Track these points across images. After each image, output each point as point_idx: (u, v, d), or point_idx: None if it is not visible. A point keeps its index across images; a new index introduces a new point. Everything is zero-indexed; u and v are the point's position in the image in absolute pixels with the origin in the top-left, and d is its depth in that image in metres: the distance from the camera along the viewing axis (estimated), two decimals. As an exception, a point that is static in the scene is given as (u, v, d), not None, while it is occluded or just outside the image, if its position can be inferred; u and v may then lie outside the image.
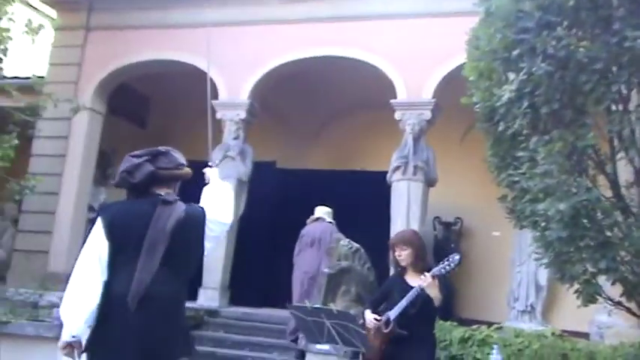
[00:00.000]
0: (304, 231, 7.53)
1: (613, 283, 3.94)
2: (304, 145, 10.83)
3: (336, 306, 4.55)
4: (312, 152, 10.69)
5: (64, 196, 9.05)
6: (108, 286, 3.00)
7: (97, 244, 3.08)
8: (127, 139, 11.01)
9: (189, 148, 11.46)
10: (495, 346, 4.71)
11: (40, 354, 6.24)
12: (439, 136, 8.42)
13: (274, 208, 9.60)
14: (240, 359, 6.78)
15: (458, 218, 9.70)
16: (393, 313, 4.17)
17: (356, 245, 6.18)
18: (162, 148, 3.37)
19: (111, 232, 3.09)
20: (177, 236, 3.09)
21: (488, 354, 4.87)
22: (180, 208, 3.19)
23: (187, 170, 3.39)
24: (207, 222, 3.26)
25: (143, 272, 3.01)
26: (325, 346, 5.43)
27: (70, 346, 2.98)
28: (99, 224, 3.13)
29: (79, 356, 3.03)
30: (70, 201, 9.03)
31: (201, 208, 3.28)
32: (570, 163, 3.96)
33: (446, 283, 4.25)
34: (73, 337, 2.97)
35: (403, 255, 4.35)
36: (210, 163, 3.60)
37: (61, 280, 8.06)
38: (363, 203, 8.96)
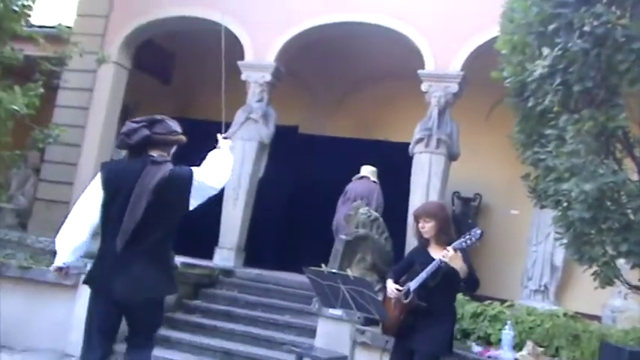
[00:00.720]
0: (348, 187, 7.75)
1: (633, 267, 3.92)
2: (327, 112, 10.79)
3: (352, 273, 4.56)
4: (335, 119, 10.65)
5: (86, 148, 9.13)
6: (103, 230, 3.58)
7: (94, 194, 3.65)
8: (151, 95, 11.06)
9: (212, 107, 11.48)
10: (508, 322, 4.72)
11: (59, 300, 6.36)
12: (464, 110, 8.34)
13: (294, 173, 9.63)
14: (252, 319, 6.85)
15: (477, 194, 9.66)
16: (413, 285, 4.17)
17: (375, 214, 6.19)
18: (158, 117, 3.86)
19: (106, 185, 3.64)
20: (160, 192, 3.57)
21: (500, 329, 4.88)
22: (167, 168, 3.65)
23: (181, 137, 3.89)
24: (197, 182, 3.66)
25: (128, 220, 3.53)
26: (338, 312, 5.48)
27: (60, 270, 3.61)
28: (97, 177, 3.69)
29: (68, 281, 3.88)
30: (92, 153, 9.11)
31: (189, 169, 3.68)
32: (598, 144, 3.91)
33: (467, 256, 4.23)
34: (64, 263, 3.58)
35: (427, 227, 4.33)
36: (225, 135, 4.07)
37: (80, 231, 8.19)
38: (383, 173, 8.93)
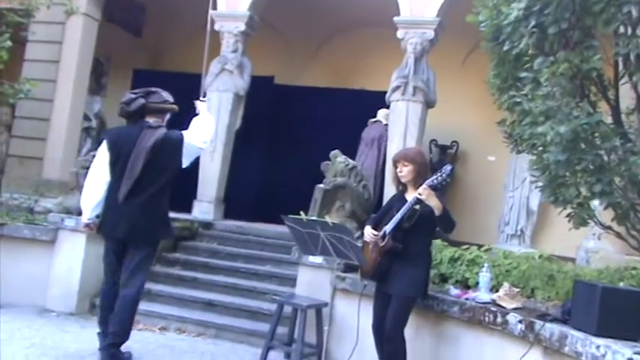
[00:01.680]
0: (364, 133, 8.12)
1: (606, 208, 3.98)
2: (303, 62, 10.68)
3: (330, 220, 4.60)
4: (311, 69, 10.55)
5: (58, 103, 8.96)
6: (110, 186, 4.44)
7: (102, 157, 4.51)
8: (123, 48, 10.84)
9: (184, 59, 11.40)
10: (485, 265, 4.80)
11: (36, 255, 6.34)
12: (440, 58, 8.30)
13: (271, 124, 9.58)
14: (233, 270, 6.91)
15: (454, 142, 9.71)
16: (389, 227, 4.25)
17: (352, 162, 6.19)
18: (153, 89, 4.62)
19: (110, 149, 4.47)
20: (154, 152, 4.36)
21: (477, 273, 4.96)
22: (160, 132, 4.43)
23: (173, 106, 4.65)
24: (187, 144, 4.49)
25: (128, 177, 4.35)
26: (318, 259, 5.54)
27: (88, 226, 4.64)
28: (103, 143, 4.54)
29: (97, 232, 4.66)
30: (64, 108, 8.94)
31: (180, 133, 4.51)
32: (573, 86, 3.91)
33: (444, 198, 4.30)
34: (89, 219, 4.57)
35: (405, 171, 4.39)
36: (201, 98, 4.92)
37: (55, 187, 8.12)
38: (361, 122, 8.93)
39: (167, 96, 4.63)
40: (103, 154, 4.51)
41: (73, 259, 6.27)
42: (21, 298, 6.15)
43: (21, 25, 7.86)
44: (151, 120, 4.52)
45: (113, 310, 4.50)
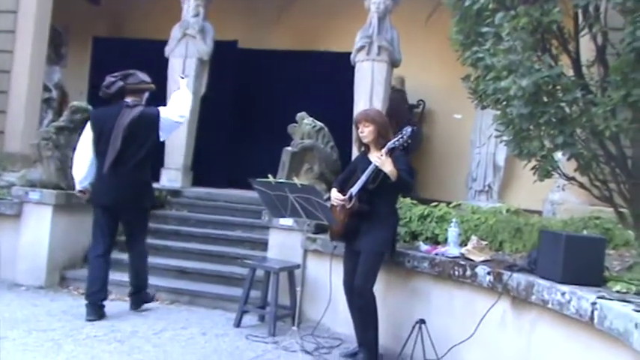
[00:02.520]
0: None
1: (569, 159, 4.04)
2: (267, 25, 10.51)
3: (299, 181, 4.61)
4: (275, 32, 10.40)
5: (17, 74, 8.67)
6: (96, 160, 5.02)
7: (87, 134, 5.08)
8: (81, 17, 10.56)
9: (145, 26, 11.18)
10: (453, 220, 4.87)
11: (2, 230, 6.26)
12: (404, 17, 8.25)
13: (236, 89, 9.48)
14: (204, 236, 6.90)
15: (420, 101, 9.73)
16: (354, 189, 4.31)
17: (319, 124, 6.17)
18: (130, 71, 5.13)
19: (94, 126, 5.04)
20: (132, 128, 4.89)
21: (446, 229, 5.03)
22: (137, 110, 4.96)
23: (150, 85, 5.19)
24: (163, 119, 5.01)
25: (111, 151, 4.88)
26: (289, 221, 5.56)
27: (82, 193, 5.24)
28: (89, 122, 5.12)
29: (89, 200, 5.27)
30: (23, 80, 8.67)
31: (156, 109, 5.06)
32: (534, 40, 3.93)
33: (405, 158, 4.35)
34: (81, 188, 5.19)
35: (366, 132, 4.45)
36: (182, 75, 5.63)
37: (17, 160, 7.95)
38: (326, 84, 8.89)
39: (144, 77, 5.15)
40: (88, 132, 5.10)
41: (39, 233, 6.19)
42: (-11, 273, 6.09)
43: (-29, -5, 7.58)
44: (129, 100, 5.05)
45: (102, 281, 5.15)
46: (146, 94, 5.20)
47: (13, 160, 8.06)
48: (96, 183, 5.11)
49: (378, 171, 4.21)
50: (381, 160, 4.15)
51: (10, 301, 5.55)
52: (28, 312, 5.23)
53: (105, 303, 5.22)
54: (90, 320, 5.03)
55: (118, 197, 5.00)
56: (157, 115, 5.04)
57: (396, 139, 4.24)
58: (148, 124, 5.00)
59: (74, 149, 6.06)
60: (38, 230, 6.20)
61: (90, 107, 6.73)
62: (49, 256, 6.19)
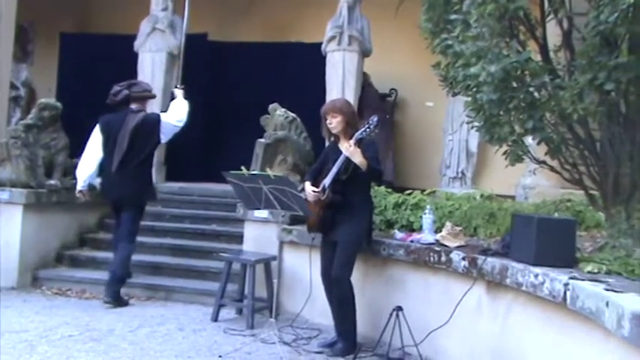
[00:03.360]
0: None
1: (539, 143, 4.09)
2: (237, 18, 10.43)
3: (272, 173, 4.60)
4: (246, 24, 10.32)
5: (-18, 73, 8.52)
6: (105, 160, 5.62)
7: (96, 138, 5.68)
8: (46, 13, 10.36)
9: (112, 21, 10.99)
10: (428, 207, 4.90)
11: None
12: (374, 6, 8.25)
13: (208, 82, 9.40)
14: (179, 232, 6.86)
15: (393, 89, 9.74)
16: (327, 181, 4.33)
17: (292, 115, 6.15)
18: (134, 81, 6.06)
19: (103, 130, 5.67)
20: (136, 132, 5.52)
21: (421, 217, 5.06)
22: (141, 115, 5.62)
23: (151, 94, 5.98)
24: (163, 123, 5.66)
25: (117, 152, 5.51)
26: (264, 213, 5.55)
27: (82, 193, 5.76)
28: (97, 127, 5.70)
29: (89, 198, 5.88)
30: (-12, 79, 8.52)
31: (157, 114, 5.82)
32: (502, 26, 3.96)
33: (374, 147, 4.38)
34: (82, 187, 5.71)
35: (334, 122, 4.48)
36: (178, 85, 6.10)
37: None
38: (298, 75, 8.85)
39: (147, 86, 5.96)
40: (96, 135, 5.67)
41: (10, 233, 6.10)
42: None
43: None
44: (134, 106, 5.65)
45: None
46: (149, 101, 5.96)
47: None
48: (104, 181, 5.71)
49: (349, 161, 4.23)
50: (349, 150, 4.17)
51: (-19, 303, 5.47)
52: (0, 314, 5.14)
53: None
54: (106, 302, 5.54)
55: (122, 192, 5.56)
56: (158, 120, 5.68)
57: (363, 129, 4.27)
58: (150, 128, 5.61)
59: (43, 147, 6.18)
60: (8, 230, 6.10)
61: (59, 104, 6.64)
62: (21, 256, 6.10)
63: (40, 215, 6.30)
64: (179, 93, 5.96)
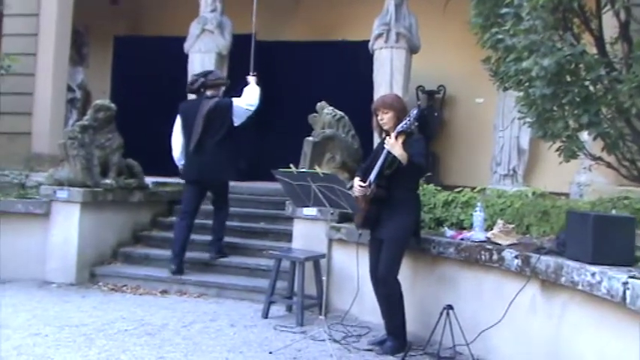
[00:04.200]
0: None
1: (595, 138, 3.98)
2: (284, 17, 10.51)
3: (320, 170, 4.61)
4: (292, 24, 10.40)
5: (41, 76, 8.80)
6: (184, 142, 6.18)
7: (178, 122, 6.25)
8: (100, 17, 10.66)
9: (162, 23, 11.20)
10: (478, 205, 4.83)
11: (32, 230, 6.36)
12: (421, 1, 8.17)
13: (256, 82, 9.46)
14: (229, 229, 6.90)
15: (441, 86, 9.65)
16: (372, 176, 4.31)
17: (340, 113, 6.15)
18: (208, 70, 6.78)
19: (181, 116, 6.24)
20: (210, 116, 6.04)
21: (471, 214, 4.99)
22: (214, 100, 6.12)
23: (225, 81, 6.43)
24: (235, 107, 6.13)
25: (195, 134, 6.05)
26: (312, 211, 5.57)
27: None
28: (179, 113, 6.27)
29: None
30: (47, 81, 8.79)
31: (230, 99, 6.19)
32: (555, 19, 3.87)
33: (420, 143, 4.34)
34: (182, 164, 6.30)
35: (385, 118, 4.45)
36: (251, 73, 6.46)
37: (45, 161, 8.07)
38: (345, 73, 8.86)
39: (220, 74, 6.54)
40: (178, 120, 6.26)
41: (68, 231, 6.29)
42: (21, 272, 6.21)
43: (-6, -1, 7.71)
44: (209, 93, 6.18)
45: (184, 242, 6.15)
46: (222, 88, 6.31)
47: (41, 160, 8.20)
48: (185, 161, 6.22)
49: (393, 156, 4.20)
50: (390, 143, 4.14)
51: (41, 298, 5.65)
52: (60, 308, 5.31)
53: (184, 261, 6.23)
54: (172, 272, 6.08)
55: (201, 171, 6.07)
56: (230, 104, 6.13)
57: (403, 122, 4.22)
58: (223, 112, 6.07)
59: (98, 147, 6.40)
60: (67, 228, 6.30)
61: (113, 105, 6.82)
62: (79, 253, 6.29)
63: (96, 213, 6.48)
64: (252, 79, 6.37)
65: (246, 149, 9.31)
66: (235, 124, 6.18)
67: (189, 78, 6.37)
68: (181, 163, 6.29)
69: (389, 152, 4.20)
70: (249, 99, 6.22)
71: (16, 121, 8.76)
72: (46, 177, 6.64)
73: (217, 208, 6.39)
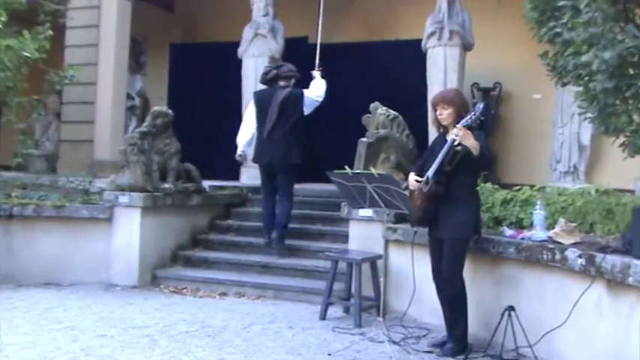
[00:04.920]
0: None
1: (660, 132, 3.84)
2: (335, 19, 10.46)
3: (375, 171, 4.59)
4: (344, 25, 10.37)
5: (102, 85, 9.11)
6: (258, 129, 6.62)
7: (251, 109, 6.76)
8: (157, 25, 10.93)
9: (216, 29, 11.39)
10: (538, 203, 4.71)
11: (96, 234, 6.56)
12: (475, -2, 8.05)
13: (309, 86, 9.51)
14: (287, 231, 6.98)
15: (497, 83, 9.47)
16: (430, 172, 4.22)
17: (393, 113, 6.12)
18: (281, 63, 7.31)
19: (256, 103, 6.67)
20: (283, 105, 6.44)
21: (531, 213, 4.87)
22: (287, 91, 6.54)
23: (296, 74, 6.74)
24: (305, 97, 6.57)
25: (269, 121, 6.46)
26: (368, 212, 5.55)
27: (241, 157, 6.93)
28: (252, 100, 6.81)
29: (246, 162, 7.25)
30: (107, 90, 9.10)
31: (300, 90, 6.62)
32: (616, 10, 3.75)
33: (483, 137, 4.25)
34: (241, 151, 6.87)
35: (444, 114, 4.35)
36: (316, 68, 6.99)
37: (107, 167, 8.32)
38: (398, 73, 8.80)
39: (292, 67, 6.75)
40: (251, 107, 6.74)
41: (130, 235, 6.47)
42: (86, 275, 6.43)
43: (57, 12, 8.00)
44: (281, 83, 6.59)
45: (271, 216, 6.58)
46: (293, 80, 6.66)
47: (103, 166, 8.48)
48: (257, 146, 6.61)
49: (455, 151, 4.12)
50: (460, 134, 4.02)
51: (107, 300, 5.83)
52: (124, 310, 5.47)
53: (273, 231, 6.57)
54: (266, 244, 6.59)
55: (273, 156, 6.45)
56: (301, 95, 6.55)
57: (468, 116, 4.12)
58: (294, 101, 6.49)
59: (157, 152, 6.74)
60: (129, 232, 6.48)
61: (170, 111, 6.98)
62: (141, 256, 6.46)
63: (156, 218, 6.64)
64: (317, 74, 6.86)
65: (301, 150, 9.39)
66: (305, 114, 6.60)
67: (264, 70, 6.84)
68: (245, 149, 6.76)
69: (451, 147, 4.11)
70: (317, 90, 6.69)
71: (79, 130, 9.10)
72: (108, 183, 6.84)
73: (281, 196, 6.60)
